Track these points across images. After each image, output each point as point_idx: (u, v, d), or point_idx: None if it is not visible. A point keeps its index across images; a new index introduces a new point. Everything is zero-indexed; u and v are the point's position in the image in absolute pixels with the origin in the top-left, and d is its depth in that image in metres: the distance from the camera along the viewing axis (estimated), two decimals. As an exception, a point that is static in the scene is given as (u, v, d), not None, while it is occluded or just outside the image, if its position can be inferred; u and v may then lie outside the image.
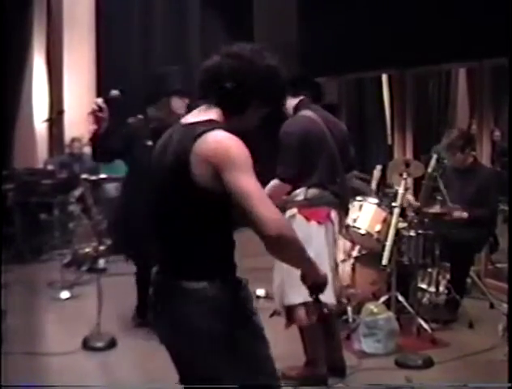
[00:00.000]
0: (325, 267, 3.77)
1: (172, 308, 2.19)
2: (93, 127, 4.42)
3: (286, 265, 3.17)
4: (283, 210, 3.90)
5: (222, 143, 2.07)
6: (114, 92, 4.48)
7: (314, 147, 3.76)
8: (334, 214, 3.84)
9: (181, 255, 2.20)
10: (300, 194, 3.78)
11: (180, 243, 2.21)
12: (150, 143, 4.30)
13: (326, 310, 3.73)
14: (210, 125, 2.12)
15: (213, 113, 2.18)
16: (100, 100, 4.44)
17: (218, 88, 2.16)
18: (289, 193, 3.83)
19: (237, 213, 2.07)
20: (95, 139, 4.50)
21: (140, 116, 4.83)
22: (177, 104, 4.62)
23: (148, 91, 4.89)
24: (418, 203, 5.22)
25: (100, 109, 4.36)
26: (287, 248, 2.06)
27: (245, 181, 2.02)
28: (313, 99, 4.02)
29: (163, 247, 2.28)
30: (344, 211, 4.05)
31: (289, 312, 3.86)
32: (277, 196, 3.87)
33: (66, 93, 8.22)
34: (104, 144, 4.51)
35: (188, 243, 2.19)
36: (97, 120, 4.38)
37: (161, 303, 2.23)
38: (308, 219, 3.75)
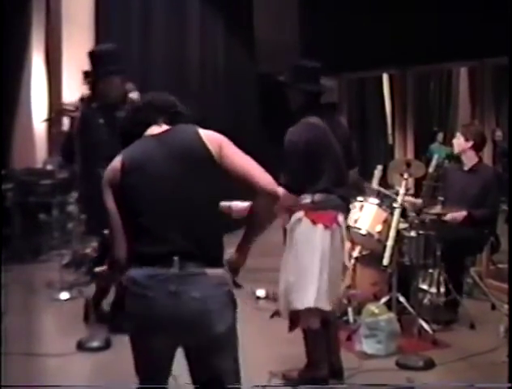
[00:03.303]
0: (324, 274, 3.73)
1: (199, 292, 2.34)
2: (68, 128, 4.63)
3: (292, 270, 3.66)
4: (290, 213, 3.87)
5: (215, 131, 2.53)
6: (134, 95, 4.76)
7: (319, 155, 3.73)
8: (341, 217, 3.80)
9: (205, 241, 2.40)
10: (306, 197, 3.75)
11: (206, 229, 2.41)
12: (102, 120, 4.57)
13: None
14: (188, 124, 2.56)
15: (167, 126, 2.56)
16: (73, 102, 4.59)
17: (171, 112, 2.59)
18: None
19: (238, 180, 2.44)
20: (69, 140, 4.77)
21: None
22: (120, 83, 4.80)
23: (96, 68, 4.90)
24: (420, 200, 5.22)
25: (77, 108, 4.52)
26: (272, 208, 2.48)
27: (243, 154, 2.48)
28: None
29: (184, 236, 2.37)
30: (347, 214, 4.03)
31: (294, 316, 3.83)
32: (284, 204, 3.83)
33: (65, 92, 8.19)
34: (70, 144, 4.74)
35: (213, 229, 2.44)
36: (72, 120, 4.56)
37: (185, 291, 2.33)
38: (314, 222, 3.71)
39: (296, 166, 3.71)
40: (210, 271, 2.35)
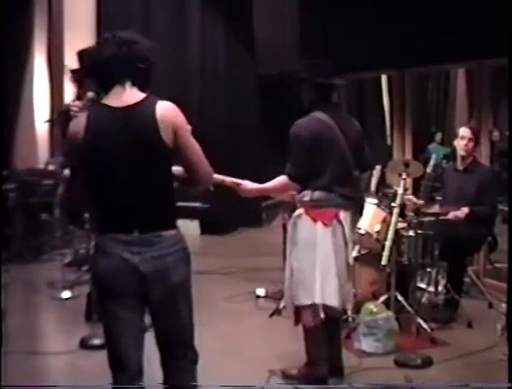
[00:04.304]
0: (331, 271, 3.76)
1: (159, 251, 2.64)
2: None
3: (296, 267, 3.76)
4: (293, 210, 3.92)
5: (176, 109, 2.62)
6: (91, 94, 4.54)
7: (323, 152, 3.74)
8: (343, 215, 3.78)
9: (160, 210, 2.66)
10: (306, 195, 3.78)
11: (158, 199, 2.65)
12: None
13: (324, 313, 3.78)
14: (153, 98, 2.61)
15: (138, 91, 2.63)
16: (80, 103, 4.59)
17: (133, 70, 2.62)
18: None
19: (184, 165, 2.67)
20: None
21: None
22: None
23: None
24: (421, 201, 5.27)
25: (81, 108, 4.54)
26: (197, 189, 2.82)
27: (193, 140, 2.66)
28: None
29: (140, 207, 2.62)
30: (357, 212, 4.00)
31: (298, 312, 3.87)
32: (282, 190, 3.93)
33: (67, 93, 8.23)
34: None
35: (168, 200, 2.69)
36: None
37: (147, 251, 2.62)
38: (314, 220, 3.74)
39: (299, 159, 3.73)
40: (166, 233, 2.65)
